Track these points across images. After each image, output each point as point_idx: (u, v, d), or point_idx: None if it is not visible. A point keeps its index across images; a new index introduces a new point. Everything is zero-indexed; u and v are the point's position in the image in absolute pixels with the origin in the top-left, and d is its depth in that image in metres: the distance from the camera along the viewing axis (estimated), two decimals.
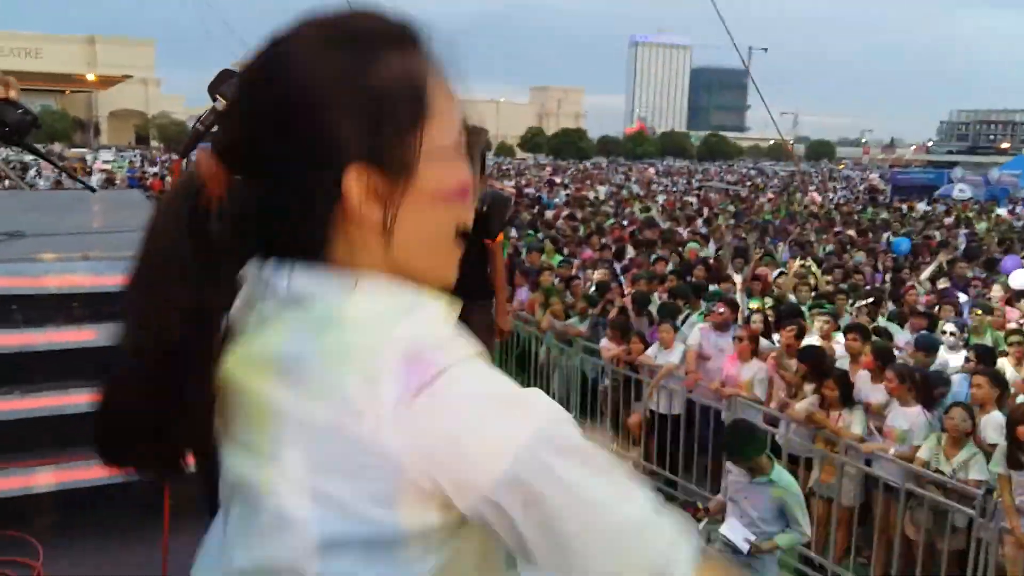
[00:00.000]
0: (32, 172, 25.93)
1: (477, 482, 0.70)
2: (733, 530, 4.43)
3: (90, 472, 3.36)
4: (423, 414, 0.70)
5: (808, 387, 5.86)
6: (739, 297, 8.17)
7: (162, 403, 0.79)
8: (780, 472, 4.53)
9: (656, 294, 8.65)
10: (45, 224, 6.00)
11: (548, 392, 6.73)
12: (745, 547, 4.36)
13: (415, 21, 0.81)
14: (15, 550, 3.05)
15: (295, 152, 0.75)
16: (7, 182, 17.69)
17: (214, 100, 1.71)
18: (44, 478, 3.25)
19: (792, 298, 8.71)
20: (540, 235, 13.95)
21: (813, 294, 8.90)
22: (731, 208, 22.52)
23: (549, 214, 18.65)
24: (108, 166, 30.26)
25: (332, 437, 0.72)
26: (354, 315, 0.75)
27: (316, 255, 0.77)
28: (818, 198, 28.32)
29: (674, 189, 34.19)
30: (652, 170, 53.70)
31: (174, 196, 0.81)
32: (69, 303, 3.88)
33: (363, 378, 0.71)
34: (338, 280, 0.77)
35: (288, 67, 0.76)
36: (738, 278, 9.22)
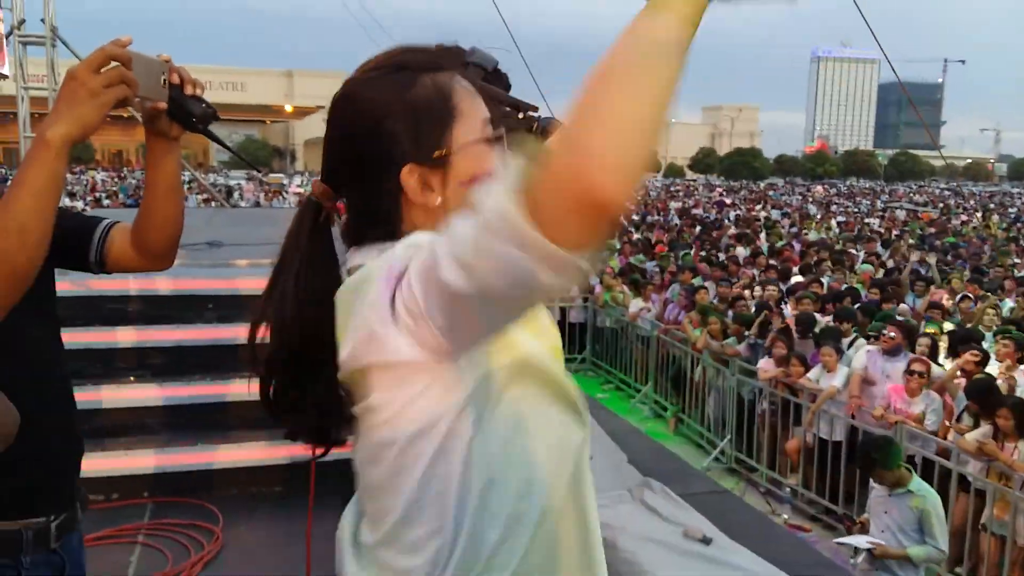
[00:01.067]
0: (236, 195, 28.52)
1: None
2: (854, 538, 4.53)
3: (267, 451, 3.78)
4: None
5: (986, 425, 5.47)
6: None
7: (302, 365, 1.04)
8: (919, 483, 4.51)
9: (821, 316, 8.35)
10: (241, 236, 6.73)
11: (703, 413, 6.73)
12: (867, 546, 4.39)
13: (447, 48, 1.07)
14: (200, 516, 3.49)
15: (367, 163, 1.00)
16: (214, 203, 19.59)
17: None
18: (227, 455, 3.68)
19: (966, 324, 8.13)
20: (702, 254, 13.78)
21: (998, 321, 8.27)
22: (918, 230, 21.15)
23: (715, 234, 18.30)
24: (301, 190, 32.81)
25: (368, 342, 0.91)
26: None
27: (394, 237, 0.99)
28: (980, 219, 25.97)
29: (855, 211, 32.44)
30: (821, 188, 51.12)
31: (301, 214, 1.09)
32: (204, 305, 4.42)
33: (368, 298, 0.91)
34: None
35: (352, 101, 1.02)
36: (917, 302, 8.72)
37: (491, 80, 2.20)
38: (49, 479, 1.55)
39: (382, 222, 1.00)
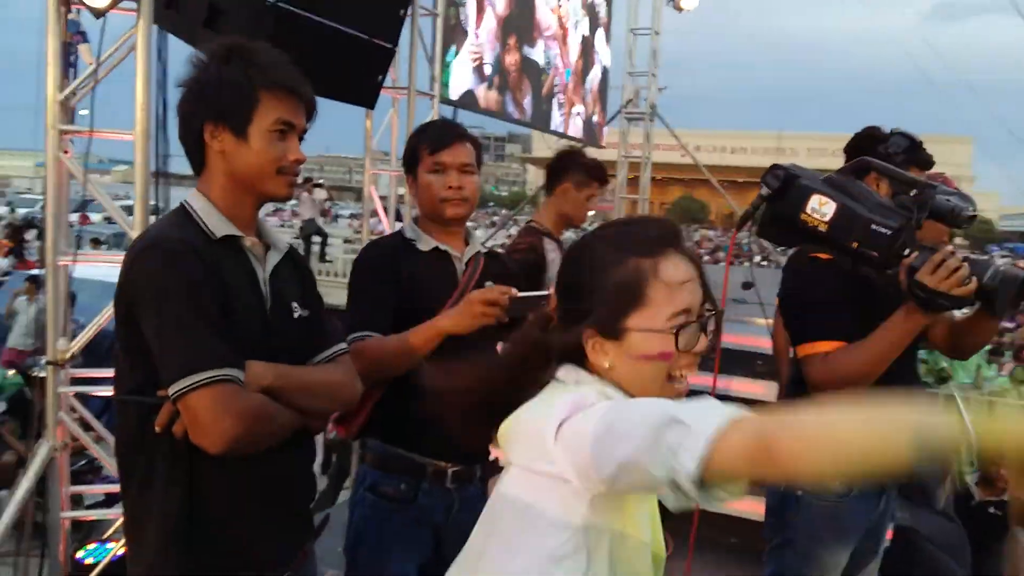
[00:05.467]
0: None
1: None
2: None
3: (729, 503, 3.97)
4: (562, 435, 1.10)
5: None
6: None
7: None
8: None
9: None
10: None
11: None
12: None
13: (666, 232, 1.20)
14: None
15: (569, 308, 1.22)
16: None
17: (760, 186, 2.07)
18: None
19: None
20: None
21: None
22: None
23: None
24: None
25: (533, 435, 1.15)
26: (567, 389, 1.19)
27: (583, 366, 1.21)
28: None
29: None
30: None
31: (535, 321, 1.32)
32: (754, 360, 4.62)
33: (548, 409, 1.13)
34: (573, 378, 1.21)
35: (581, 252, 1.23)
36: None
37: (910, 157, 2.16)
38: (454, 443, 1.99)
39: (575, 358, 1.21)
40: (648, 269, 1.16)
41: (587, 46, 8.68)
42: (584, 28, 8.55)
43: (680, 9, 9.51)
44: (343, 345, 1.70)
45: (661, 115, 9.47)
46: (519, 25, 7.18)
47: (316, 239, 15.37)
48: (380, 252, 2.23)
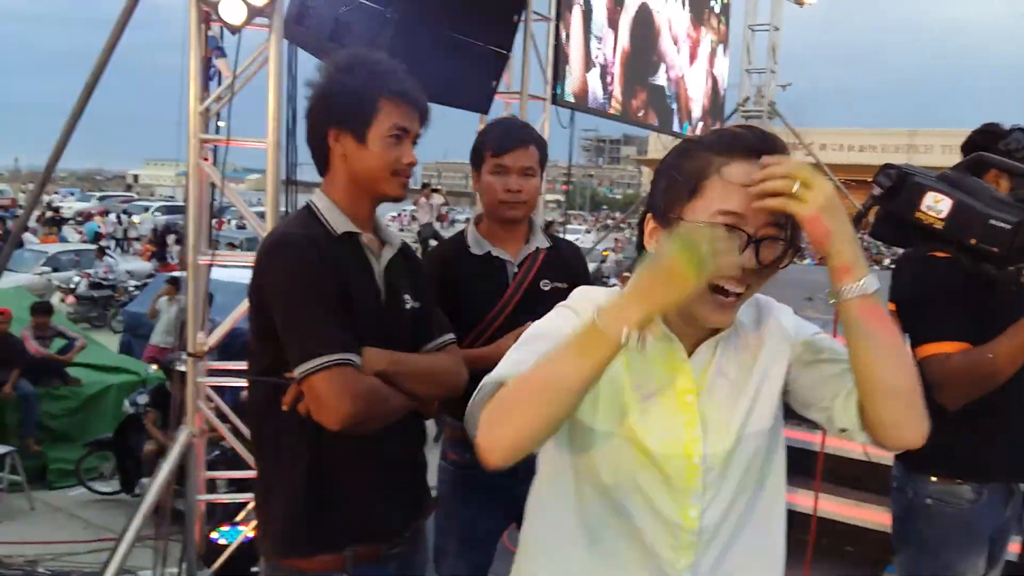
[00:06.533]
0: None
1: None
2: None
3: (848, 509, 3.91)
4: None
5: None
6: None
7: None
8: None
9: None
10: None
11: None
12: None
13: (764, 142, 1.15)
14: None
15: (652, 198, 1.24)
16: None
17: (872, 187, 2.03)
18: (805, 500, 3.75)
19: None
20: None
21: None
22: None
23: None
24: None
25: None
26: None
27: None
28: None
29: None
30: None
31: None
32: None
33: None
34: None
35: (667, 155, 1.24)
36: None
37: None
38: None
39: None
40: (715, 164, 1.13)
41: (712, 77, 8.50)
42: (706, 50, 8.36)
43: (802, 3, 9.24)
44: (451, 335, 1.79)
45: (780, 112, 9.22)
46: (644, 57, 7.17)
47: (433, 242, 15.87)
48: (429, 260, 2.34)
